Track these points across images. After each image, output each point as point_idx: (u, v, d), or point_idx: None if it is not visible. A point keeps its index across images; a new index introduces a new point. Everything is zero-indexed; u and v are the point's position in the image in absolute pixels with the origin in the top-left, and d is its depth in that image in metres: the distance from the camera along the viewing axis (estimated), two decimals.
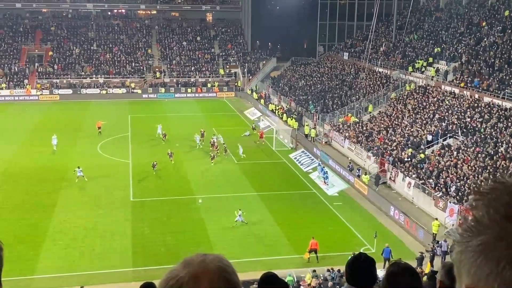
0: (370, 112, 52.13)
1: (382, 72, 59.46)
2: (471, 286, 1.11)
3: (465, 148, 37.11)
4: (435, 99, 46.81)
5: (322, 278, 24.79)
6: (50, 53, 78.81)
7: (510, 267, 1.04)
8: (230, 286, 1.43)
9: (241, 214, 31.93)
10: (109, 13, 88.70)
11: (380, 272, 13.03)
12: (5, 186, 38.20)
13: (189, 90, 75.87)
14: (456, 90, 45.91)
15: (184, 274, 1.41)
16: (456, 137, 39.83)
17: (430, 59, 54.44)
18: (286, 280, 24.40)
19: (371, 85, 57.57)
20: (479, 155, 35.27)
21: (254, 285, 19.96)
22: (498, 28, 50.36)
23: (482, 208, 1.14)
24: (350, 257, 3.32)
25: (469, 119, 40.72)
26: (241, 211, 32.14)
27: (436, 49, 55.07)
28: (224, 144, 47.18)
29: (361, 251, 27.96)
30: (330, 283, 23.28)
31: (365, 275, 3.21)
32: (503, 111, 39.19)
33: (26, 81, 73.53)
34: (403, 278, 3.06)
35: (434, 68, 51.43)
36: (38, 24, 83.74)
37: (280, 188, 38.95)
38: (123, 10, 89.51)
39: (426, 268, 26.10)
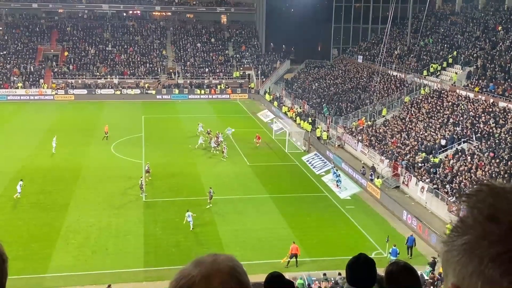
0: (383, 116, 51.90)
1: (397, 75, 59.19)
2: (457, 284, 1.15)
3: (480, 153, 36.81)
4: (450, 103, 46.50)
5: (333, 281, 24.72)
6: (66, 53, 79.51)
7: (493, 265, 1.07)
8: (241, 286, 1.45)
9: (190, 215, 31.35)
10: (124, 14, 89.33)
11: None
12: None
13: (202, 91, 76.08)
14: (471, 95, 45.57)
15: (195, 273, 1.43)
16: (471, 141, 39.52)
17: (445, 64, 54.10)
18: (297, 283, 24.41)
19: (385, 89, 57.34)
20: (493, 160, 34.96)
21: None
22: None
23: (467, 210, 1.18)
24: (350, 258, 3.34)
25: (483, 124, 40.39)
26: (190, 212, 31.64)
27: (450, 56, 54.68)
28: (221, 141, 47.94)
29: (373, 255, 27.86)
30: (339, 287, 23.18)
31: (365, 275, 3.24)
32: None
33: (41, 80, 74.22)
34: (402, 277, 3.08)
35: (455, 73, 50.90)
36: (54, 25, 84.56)
37: (292, 191, 38.89)
38: (138, 11, 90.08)
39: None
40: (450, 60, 54.08)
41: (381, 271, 3.60)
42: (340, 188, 39.20)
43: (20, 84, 72.40)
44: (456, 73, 50.86)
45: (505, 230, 1.09)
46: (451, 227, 1.21)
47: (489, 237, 1.10)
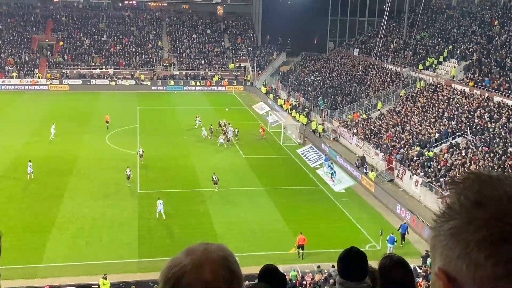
0: (379, 109, 51.96)
1: (392, 69, 59.21)
2: (443, 268, 1.18)
3: (474, 148, 36.93)
4: (445, 97, 46.58)
5: (326, 273, 24.83)
6: (61, 43, 79.10)
7: (478, 249, 1.11)
8: (232, 276, 1.46)
9: (161, 203, 31.82)
10: (120, 4, 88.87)
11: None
12: (15, 175, 38.46)
13: (198, 83, 75.92)
14: (466, 89, 45.65)
15: (187, 262, 1.44)
16: (465, 136, 39.64)
17: (441, 58, 54.14)
18: (290, 275, 24.50)
19: (381, 82, 57.37)
20: (488, 154, 35.09)
21: None
22: (510, 27, 49.98)
23: (454, 196, 1.22)
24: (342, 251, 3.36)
25: (478, 119, 40.50)
26: (161, 200, 32.19)
27: (446, 50, 54.72)
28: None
29: (367, 248, 28.00)
30: (332, 280, 23.29)
31: (356, 268, 3.26)
32: None
33: (36, 70, 73.85)
34: (395, 271, 3.09)
35: (453, 68, 50.88)
36: (49, 14, 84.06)
37: (287, 183, 38.96)
38: (134, 2, 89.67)
39: None
40: (446, 54, 54.11)
41: (374, 264, 3.61)
42: (334, 181, 39.29)
43: (14, 74, 72.03)
44: (454, 67, 50.88)
45: (490, 215, 1.12)
46: (438, 213, 1.24)
47: (475, 222, 1.13)
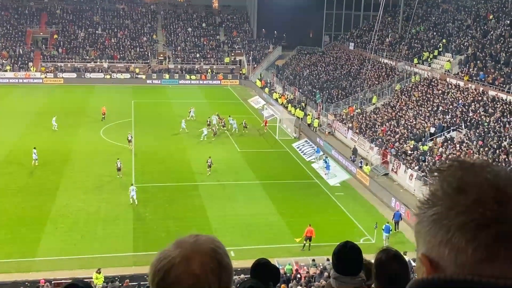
0: (374, 103, 52.01)
1: (388, 63, 59.23)
2: (426, 253, 1.21)
3: (468, 142, 37.04)
4: (440, 91, 46.66)
5: (321, 267, 24.90)
6: (55, 36, 78.70)
7: (459, 234, 1.13)
8: (221, 268, 1.46)
9: (134, 189, 32.64)
10: None
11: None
12: (10, 169, 38.35)
13: (193, 77, 75.74)
14: (461, 83, 45.73)
15: (175, 254, 1.44)
16: (460, 130, 39.75)
17: (436, 52, 54.18)
18: (285, 269, 24.54)
19: (376, 76, 57.39)
20: (482, 148, 35.21)
21: None
22: (506, 21, 50.04)
23: (437, 183, 1.23)
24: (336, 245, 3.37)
25: (472, 113, 40.60)
26: (134, 186, 33.11)
27: (440, 44, 54.76)
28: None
29: (362, 241, 28.11)
30: (326, 273, 23.36)
31: (351, 263, 3.27)
32: (507, 105, 39.03)
33: (30, 63, 73.50)
34: (391, 264, 3.10)
35: (448, 61, 50.88)
36: (43, 7, 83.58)
37: (282, 177, 38.99)
38: None
39: None
40: (441, 48, 54.16)
41: (370, 257, 3.63)
42: (327, 174, 39.34)
43: (8, 67, 71.66)
44: (449, 61, 50.92)
45: (471, 201, 1.15)
46: (422, 200, 1.26)
47: (456, 207, 1.16)
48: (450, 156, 36.13)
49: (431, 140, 40.11)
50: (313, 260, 25.74)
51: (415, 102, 47.25)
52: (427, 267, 1.20)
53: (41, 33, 79.32)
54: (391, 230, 29.55)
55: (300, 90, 63.53)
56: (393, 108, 48.27)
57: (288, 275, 23.82)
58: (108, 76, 73.34)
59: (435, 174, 1.25)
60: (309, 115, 54.44)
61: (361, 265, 3.33)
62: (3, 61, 72.84)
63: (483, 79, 44.00)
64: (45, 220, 30.12)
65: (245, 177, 38.81)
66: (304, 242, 28.16)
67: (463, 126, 39.59)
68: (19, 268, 25.10)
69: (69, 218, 30.78)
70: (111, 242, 28.14)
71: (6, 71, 71.44)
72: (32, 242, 27.48)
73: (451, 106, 43.19)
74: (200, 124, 50.06)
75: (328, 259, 25.47)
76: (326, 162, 40.50)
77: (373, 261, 3.34)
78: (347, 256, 3.30)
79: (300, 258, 26.73)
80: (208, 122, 49.81)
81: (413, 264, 24.75)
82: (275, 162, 42.80)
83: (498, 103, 40.19)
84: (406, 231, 30.79)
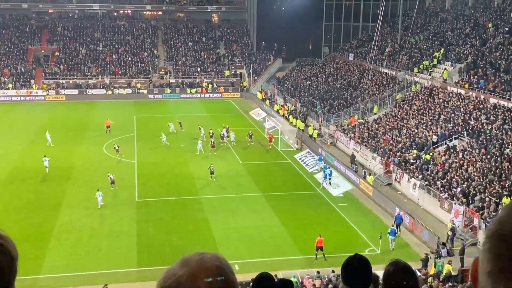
0: (375, 113, 52.06)
1: (388, 73, 59.36)
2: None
3: (471, 150, 37.00)
4: (441, 100, 46.70)
5: (326, 279, 24.79)
6: (57, 53, 79.10)
7: None
8: (227, 285, 1.47)
9: (100, 194, 33.94)
10: (115, 13, 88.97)
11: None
12: (12, 186, 38.41)
13: (194, 90, 75.98)
14: (462, 91, 45.78)
15: (182, 272, 1.45)
16: (462, 138, 39.72)
17: (435, 61, 54.31)
18: None
19: (377, 86, 57.50)
20: (485, 156, 35.16)
21: None
22: (504, 29, 50.19)
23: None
24: (346, 258, 3.37)
25: (474, 121, 40.60)
26: (101, 191, 34.34)
27: (437, 53, 54.89)
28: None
29: (366, 252, 27.99)
30: (331, 286, 23.26)
31: (360, 276, 3.26)
32: (509, 113, 39.03)
33: (32, 81, 73.82)
34: (400, 277, 3.10)
35: (446, 70, 51.06)
36: (44, 25, 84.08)
37: (285, 189, 38.94)
38: (129, 11, 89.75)
39: (431, 270, 26.07)
40: (440, 57, 54.29)
41: (375, 267, 3.63)
42: (327, 184, 39.28)
43: (10, 85, 71.95)
44: (445, 69, 51.02)
45: None
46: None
47: None
48: (453, 165, 36.08)
49: (434, 148, 40.07)
50: (318, 272, 25.63)
51: (416, 111, 47.28)
52: None
53: (43, 51, 79.74)
54: (396, 233, 30.01)
55: (301, 101, 63.64)
56: (395, 118, 48.29)
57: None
58: (110, 92, 73.59)
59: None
60: (310, 126, 54.50)
61: (370, 278, 3.33)
62: (5, 79, 73.17)
63: (483, 87, 44.05)
64: (49, 237, 30.09)
65: (248, 189, 38.77)
66: (316, 252, 28.06)
67: (465, 134, 39.57)
68: (23, 285, 25.01)
69: (73, 234, 30.74)
70: (115, 258, 28.07)
71: (8, 89, 71.72)
72: (36, 259, 27.42)
73: (452, 115, 43.21)
74: (187, 138, 50.34)
75: (333, 271, 25.39)
76: (324, 171, 40.53)
77: (379, 272, 3.34)
78: (356, 269, 3.29)
79: (305, 271, 26.61)
80: (211, 134, 49.96)
81: (418, 274, 24.66)
82: (278, 173, 42.78)
83: (499, 110, 40.20)
84: (411, 242, 30.70)
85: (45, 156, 41.12)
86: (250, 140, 50.33)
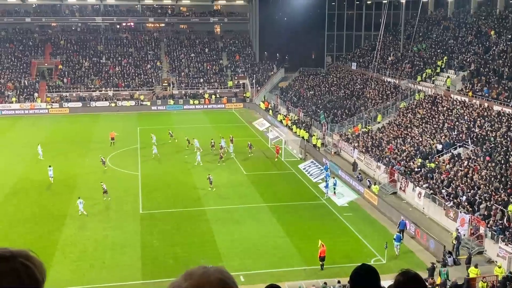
0: (379, 122, 52.02)
1: (391, 81, 59.39)
2: None
3: (475, 157, 36.87)
4: (445, 108, 46.66)
5: None
6: (60, 66, 79.49)
7: None
8: None
9: (81, 202, 34.47)
10: (117, 26, 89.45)
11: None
12: (16, 199, 38.43)
13: (197, 101, 76.19)
14: (466, 99, 45.73)
15: (186, 285, 1.44)
16: (466, 146, 39.61)
17: (438, 69, 54.35)
18: None
19: (380, 95, 57.50)
20: (490, 164, 35.02)
21: None
22: (507, 36, 50.24)
23: None
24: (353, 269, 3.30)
25: (478, 128, 40.50)
26: (82, 199, 34.83)
27: (440, 61, 54.90)
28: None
29: (372, 262, 27.81)
30: None
31: (367, 286, 3.19)
32: None
33: (36, 94, 74.14)
34: (410, 287, 3.03)
35: (449, 77, 51.11)
36: (47, 38, 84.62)
37: (289, 199, 38.83)
38: (132, 23, 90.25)
39: (438, 279, 25.88)
40: (443, 65, 54.32)
41: (381, 277, 3.54)
42: (331, 193, 39.20)
43: (14, 99, 72.28)
44: (449, 77, 51.03)
45: None
46: None
47: None
48: (458, 173, 35.93)
49: (438, 157, 39.96)
50: (325, 283, 25.45)
51: (420, 119, 47.22)
52: None
53: (46, 64, 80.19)
54: (401, 239, 30.01)
55: (304, 111, 63.68)
56: (399, 126, 48.24)
57: None
58: (113, 104, 73.85)
59: None
60: (314, 135, 54.48)
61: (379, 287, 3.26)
62: (9, 92, 73.51)
63: (487, 95, 44.00)
64: (53, 250, 30.02)
65: (252, 200, 38.69)
66: (321, 262, 27.91)
67: (469, 142, 39.46)
68: None
69: (77, 247, 30.68)
70: (119, 271, 27.98)
71: (11, 102, 72.05)
72: None
73: (456, 123, 43.13)
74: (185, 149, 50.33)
75: (339, 281, 25.22)
76: (326, 180, 40.46)
77: (386, 282, 3.27)
78: (364, 280, 3.22)
79: (310, 281, 26.43)
80: (212, 144, 50.26)
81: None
82: (282, 183, 42.69)
83: (503, 117, 40.12)
84: (416, 251, 30.51)
85: (49, 166, 41.65)
86: (250, 150, 50.21)
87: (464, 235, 30.61)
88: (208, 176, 40.50)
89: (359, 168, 44.41)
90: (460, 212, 31.69)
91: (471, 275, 25.40)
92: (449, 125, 43.32)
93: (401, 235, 30.68)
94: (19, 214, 35.44)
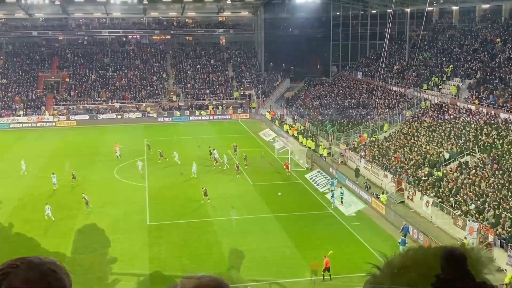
0: (385, 131, 51.88)
1: (397, 90, 59.30)
2: None
3: (483, 165, 36.67)
4: (451, 116, 46.50)
5: None
6: (67, 79, 79.95)
7: None
8: None
9: (49, 208, 35.43)
10: (124, 39, 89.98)
11: None
12: (25, 212, 38.47)
13: (203, 112, 76.35)
14: (472, 107, 45.57)
15: None
16: (473, 154, 39.41)
17: (445, 77, 54.24)
18: None
19: (386, 104, 57.41)
20: (497, 172, 34.81)
21: None
22: None
23: None
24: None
25: (485, 136, 40.32)
26: (49, 205, 35.82)
27: (446, 69, 54.84)
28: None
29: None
30: None
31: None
32: None
33: (43, 107, 74.54)
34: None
35: (454, 86, 51.01)
36: (54, 52, 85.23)
37: (296, 209, 38.69)
38: (138, 36, 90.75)
39: None
40: (449, 73, 54.22)
41: None
42: (338, 203, 39.06)
43: (21, 112, 72.69)
44: (454, 85, 50.90)
45: None
46: None
47: None
48: (465, 181, 35.74)
49: (446, 165, 39.77)
50: None
51: (427, 128, 47.07)
52: None
53: (53, 77, 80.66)
54: (406, 243, 30.28)
55: (311, 120, 63.63)
56: (405, 135, 48.08)
57: None
58: (120, 116, 74.10)
59: None
60: (320, 145, 54.39)
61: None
62: (16, 106, 73.96)
63: (494, 102, 43.83)
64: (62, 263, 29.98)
65: (259, 210, 38.57)
66: (323, 273, 27.73)
67: (476, 150, 39.26)
68: None
69: (86, 260, 30.61)
70: (127, 283, 27.88)
71: (19, 115, 72.46)
72: None
73: (463, 131, 42.95)
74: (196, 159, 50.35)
75: None
76: (332, 190, 40.31)
77: None
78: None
79: None
80: (210, 152, 50.70)
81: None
82: (289, 194, 42.56)
83: (510, 125, 39.94)
84: None
85: (53, 173, 42.56)
86: (246, 162, 49.50)
87: (473, 243, 30.35)
88: (203, 188, 39.88)
89: (360, 173, 44.70)
90: (469, 220, 31.47)
91: (507, 280, 25.20)
92: (455, 133, 43.15)
93: (406, 240, 31.05)
94: (27, 227, 35.39)
